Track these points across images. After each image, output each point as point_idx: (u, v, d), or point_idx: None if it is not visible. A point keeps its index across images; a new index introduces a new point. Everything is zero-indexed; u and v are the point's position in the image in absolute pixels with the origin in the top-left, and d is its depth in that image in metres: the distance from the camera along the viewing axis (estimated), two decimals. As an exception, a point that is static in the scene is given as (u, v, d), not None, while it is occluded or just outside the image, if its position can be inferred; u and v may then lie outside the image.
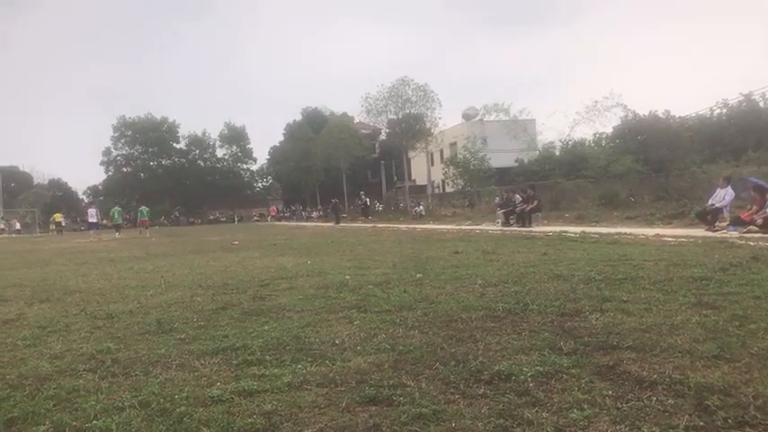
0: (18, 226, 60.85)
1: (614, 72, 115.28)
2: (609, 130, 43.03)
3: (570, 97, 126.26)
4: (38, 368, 4.23)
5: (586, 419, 2.82)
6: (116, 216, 39.34)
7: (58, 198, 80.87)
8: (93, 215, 41.57)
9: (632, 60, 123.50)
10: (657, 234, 13.93)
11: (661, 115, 37.64)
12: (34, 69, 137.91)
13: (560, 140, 41.28)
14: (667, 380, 3.28)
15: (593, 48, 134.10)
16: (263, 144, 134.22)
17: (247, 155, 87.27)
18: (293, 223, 51.65)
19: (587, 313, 5.11)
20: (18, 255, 20.20)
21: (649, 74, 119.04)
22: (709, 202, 16.02)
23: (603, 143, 44.12)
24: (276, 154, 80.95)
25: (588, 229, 17.13)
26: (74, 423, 3.08)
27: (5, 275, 11.82)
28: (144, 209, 42.22)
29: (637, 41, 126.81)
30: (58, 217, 59.03)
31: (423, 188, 58.11)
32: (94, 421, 3.09)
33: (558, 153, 42.67)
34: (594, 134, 43.97)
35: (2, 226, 60.90)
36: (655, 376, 3.35)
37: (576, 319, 4.91)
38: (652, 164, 33.47)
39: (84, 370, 4.14)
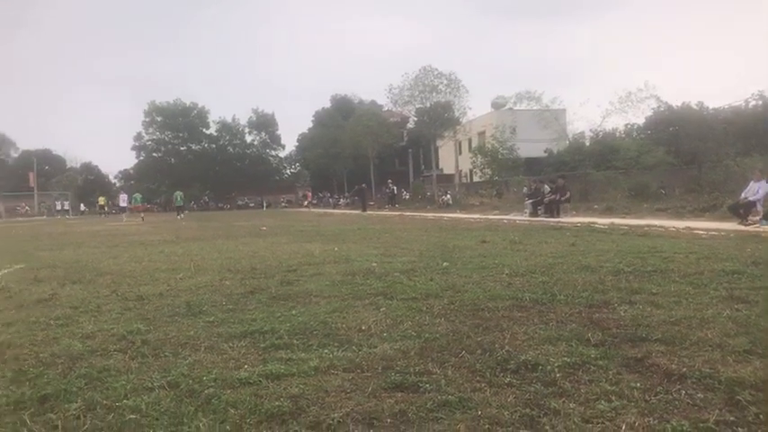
0: (67, 206, 61.95)
1: (647, 62, 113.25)
2: (641, 122, 42.42)
3: (603, 87, 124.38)
4: (70, 347, 4.32)
5: (614, 411, 2.81)
6: (178, 199, 42.49)
7: (90, 181, 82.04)
8: (123, 200, 43.56)
9: (666, 50, 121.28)
10: (688, 227, 13.72)
11: (694, 106, 37.01)
12: (67, 54, 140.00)
13: (591, 131, 40.72)
14: (697, 374, 3.25)
15: (626, 37, 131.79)
16: (292, 131, 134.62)
17: (276, 141, 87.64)
18: (321, 210, 51.84)
19: (616, 305, 5.07)
20: (51, 237, 20.58)
21: (683, 64, 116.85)
22: (743, 195, 15.71)
23: (635, 134, 43.50)
24: (305, 141, 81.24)
25: (617, 221, 16.94)
26: (104, 402, 3.15)
27: (40, 257, 12.07)
28: (138, 195, 46.55)
29: (671, 31, 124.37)
30: (102, 200, 60.43)
31: (450, 177, 57.89)
32: (125, 400, 3.15)
33: (588, 143, 42.13)
34: (626, 125, 43.35)
35: (59, 207, 62.21)
36: (684, 370, 3.32)
37: (604, 311, 4.88)
38: (684, 156, 32.90)
39: (114, 350, 4.22)
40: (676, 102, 37.13)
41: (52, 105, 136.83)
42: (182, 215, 40.63)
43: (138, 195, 46.73)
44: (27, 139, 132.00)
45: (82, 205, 66.14)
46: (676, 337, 3.98)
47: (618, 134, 43.58)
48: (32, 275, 8.72)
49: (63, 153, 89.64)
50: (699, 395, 2.97)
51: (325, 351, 3.96)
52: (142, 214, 42.19)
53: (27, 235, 22.55)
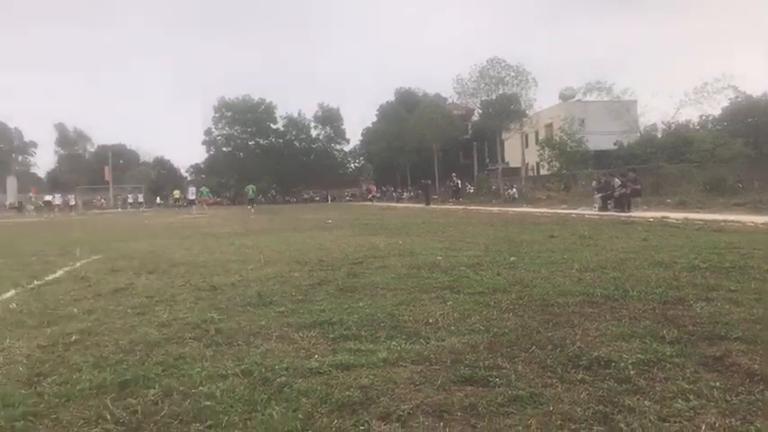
0: (141, 199, 64.37)
1: (724, 50, 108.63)
2: (717, 113, 40.79)
3: (676, 78, 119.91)
4: (147, 335, 4.48)
5: (692, 410, 2.73)
6: (250, 192, 45.29)
7: (163, 175, 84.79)
8: (192, 192, 45.47)
9: (744, 37, 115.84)
10: (768, 222, 13.14)
11: (776, 97, 35.30)
12: (139, 51, 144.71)
13: (663, 123, 39.38)
14: (781, 374, 3.11)
15: (701, 25, 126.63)
16: (357, 125, 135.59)
17: (341, 136, 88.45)
18: (384, 204, 52.03)
19: (691, 302, 4.91)
20: (126, 229, 21.38)
21: (763, 51, 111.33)
22: (829, 189, 14.93)
23: (710, 126, 41.87)
24: (369, 135, 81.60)
25: (691, 216, 16.35)
26: (181, 388, 3.25)
27: (117, 248, 12.54)
28: (204, 189, 48.36)
29: (749, 17, 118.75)
30: (177, 193, 62.64)
31: (516, 170, 57.05)
32: (200, 387, 3.25)
33: (660, 136, 40.77)
34: (701, 116, 41.74)
35: (130, 200, 64.79)
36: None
37: (679, 308, 4.73)
38: (763, 148, 31.47)
39: (189, 338, 4.36)
40: (756, 92, 35.49)
41: (127, 102, 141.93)
42: (253, 208, 41.81)
43: (204, 189, 48.83)
44: (103, 135, 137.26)
45: (158, 198, 68.60)
46: (758, 335, 3.83)
47: (692, 126, 42.03)
48: (110, 266, 9.07)
49: (137, 148, 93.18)
50: (783, 397, 2.85)
51: (393, 343, 3.98)
52: (206, 207, 43.88)
53: (103, 227, 23.48)
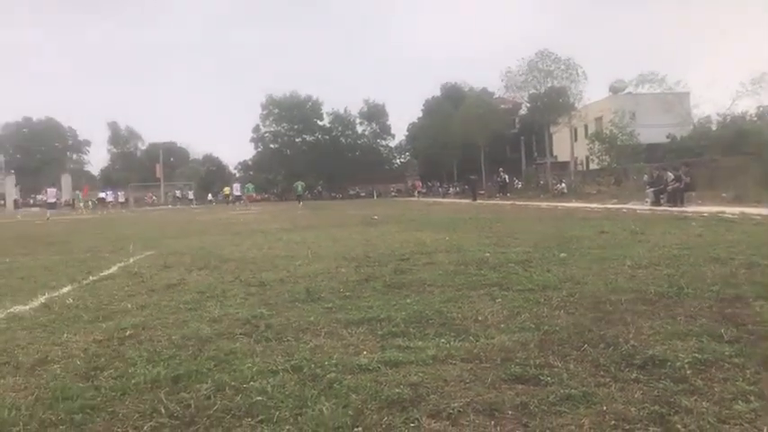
0: (191, 195, 66.09)
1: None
2: (775, 104, 39.39)
3: (732, 69, 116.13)
4: (198, 330, 4.55)
5: (753, 412, 2.64)
6: (299, 188, 46.92)
7: (212, 172, 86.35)
8: (237, 189, 46.89)
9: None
10: (832, 217, 12.63)
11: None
12: (186, 50, 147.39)
13: (718, 114, 38.25)
14: None
15: (754, 13, 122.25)
16: (402, 120, 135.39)
17: (386, 131, 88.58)
18: (430, 199, 51.89)
19: (751, 300, 4.74)
20: (177, 225, 21.82)
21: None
22: None
23: (768, 117, 40.47)
24: (414, 130, 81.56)
25: (748, 210, 15.82)
26: (233, 383, 3.28)
27: (168, 244, 12.81)
28: (250, 185, 49.89)
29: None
30: (227, 190, 63.95)
31: (565, 165, 56.22)
32: (251, 382, 3.28)
33: (714, 128, 39.62)
34: (758, 107, 40.38)
35: (178, 194, 66.55)
36: (833, 372, 3.06)
37: (737, 306, 4.58)
38: (826, 140, 30.26)
39: (240, 334, 4.41)
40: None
41: (176, 100, 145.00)
42: (301, 203, 42.52)
43: (250, 185, 50.33)
44: (154, 134, 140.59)
45: (209, 195, 70.01)
46: (821, 335, 3.68)
47: (749, 118, 40.71)
48: (162, 262, 9.25)
49: (187, 146, 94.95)
50: None
51: (442, 340, 3.96)
52: (249, 203, 45.05)
53: (155, 223, 24.01)
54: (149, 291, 6.57)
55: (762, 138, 31.86)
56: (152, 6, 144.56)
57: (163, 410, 2.95)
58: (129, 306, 5.67)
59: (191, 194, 65.32)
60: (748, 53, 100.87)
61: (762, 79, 33.45)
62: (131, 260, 9.66)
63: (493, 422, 2.69)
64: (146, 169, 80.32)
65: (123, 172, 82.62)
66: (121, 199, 57.71)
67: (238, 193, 48.48)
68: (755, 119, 40.51)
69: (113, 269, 8.62)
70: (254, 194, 49.42)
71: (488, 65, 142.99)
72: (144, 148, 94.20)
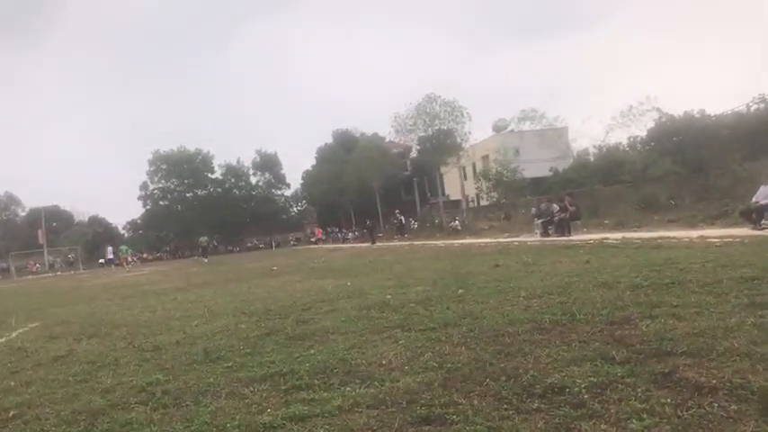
0: (71, 259, 62.89)
1: (644, 73, 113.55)
2: (643, 134, 42.41)
3: (603, 103, 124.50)
4: (90, 403, 4.30)
5: (647, 429, 2.76)
6: (204, 242, 49.39)
7: (99, 234, 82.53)
8: (110, 252, 48.46)
9: (662, 61, 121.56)
10: (701, 236, 13.60)
11: (696, 115, 36.97)
12: (67, 108, 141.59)
13: (594, 146, 40.75)
14: (728, 385, 3.19)
15: (620, 51, 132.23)
16: (296, 168, 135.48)
17: (281, 180, 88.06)
18: (330, 245, 51.83)
19: (637, 320, 5.00)
20: (64, 292, 20.64)
21: (680, 74, 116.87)
22: (753, 199, 15.59)
23: (639, 147, 43.46)
24: (309, 177, 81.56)
25: (629, 235, 16.83)
26: (129, 456, 3.10)
27: (54, 313, 12.08)
28: (123, 247, 49.70)
29: (664, 40, 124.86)
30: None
31: (457, 203, 57.85)
32: (150, 454, 3.11)
33: (592, 159, 42.11)
34: (629, 138, 43.34)
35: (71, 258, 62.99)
36: (714, 381, 3.25)
37: (625, 327, 4.81)
38: (690, 165, 32.78)
39: (135, 403, 4.20)
40: (678, 111, 37.09)
41: (56, 161, 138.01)
42: (206, 258, 42.13)
43: (123, 247, 49.67)
44: (34, 197, 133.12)
45: (101, 259, 66.53)
46: (702, 348, 3.92)
47: (622, 148, 43.57)
48: (48, 333, 8.74)
49: (70, 208, 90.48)
50: (732, 407, 2.91)
51: (348, 389, 3.91)
52: (128, 266, 44.22)
53: (39, 292, 22.62)
54: (35, 365, 6.20)
55: (635, 166, 34.10)
56: (24, 63, 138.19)
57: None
58: (13, 384, 5.32)
59: (109, 253, 61.79)
60: (619, 88, 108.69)
61: (629, 112, 36.00)
62: (14, 334, 9.06)
63: (402, 468, 2.66)
64: (27, 236, 75.72)
65: (2, 240, 77.50)
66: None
67: (111, 257, 47.46)
68: (628, 149, 43.38)
69: (-7, 345, 8.03)
70: (129, 257, 47.86)
71: (378, 110, 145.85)
72: (24, 213, 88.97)
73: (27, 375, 5.68)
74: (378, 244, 38.06)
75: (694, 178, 30.96)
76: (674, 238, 14.08)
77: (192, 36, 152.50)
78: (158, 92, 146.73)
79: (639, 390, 3.27)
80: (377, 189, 58.78)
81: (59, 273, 56.81)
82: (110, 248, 49.49)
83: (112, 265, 45.73)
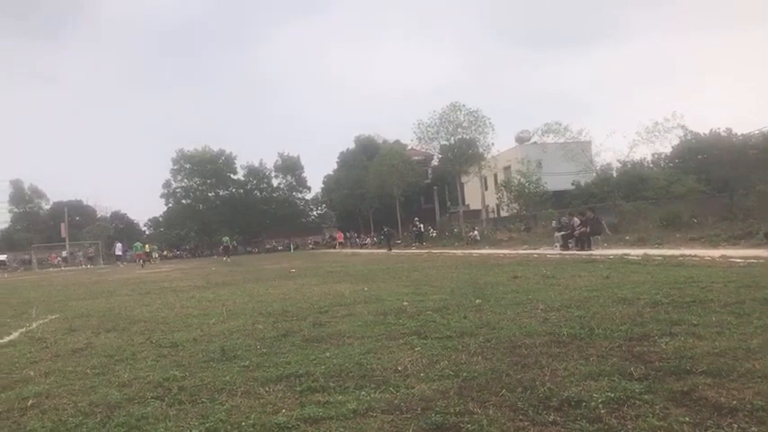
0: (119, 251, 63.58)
1: (671, 90, 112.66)
2: (668, 151, 42.02)
3: (627, 118, 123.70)
4: (107, 396, 4.33)
5: (664, 448, 2.72)
6: (226, 242, 49.06)
7: (121, 230, 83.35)
8: (119, 248, 49.97)
9: (690, 78, 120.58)
10: (724, 255, 13.44)
11: (722, 133, 36.64)
12: (93, 105, 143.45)
13: (618, 161, 40.37)
14: (748, 406, 3.14)
15: (648, 66, 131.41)
16: (318, 172, 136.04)
17: (302, 184, 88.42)
18: (348, 250, 51.91)
19: (656, 337, 4.95)
20: (84, 286, 20.85)
21: (709, 91, 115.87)
22: (779, 221, 15.39)
23: (662, 164, 43.09)
24: (330, 182, 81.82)
25: (650, 252, 16.66)
26: (144, 450, 3.13)
27: (74, 306, 12.20)
28: (138, 244, 48.93)
29: (695, 57, 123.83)
30: (148, 247, 62.02)
31: (477, 213, 57.67)
32: (164, 448, 3.13)
33: (615, 174, 41.77)
34: (653, 155, 42.98)
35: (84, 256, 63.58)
36: (734, 402, 3.21)
37: (644, 344, 4.76)
38: (714, 184, 32.47)
39: (151, 397, 4.22)
40: (703, 129, 36.85)
41: (83, 157, 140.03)
42: (228, 258, 42.79)
43: (138, 244, 49.40)
44: (58, 191, 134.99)
45: (118, 249, 67.20)
46: (723, 368, 3.87)
47: (646, 164, 43.23)
48: (67, 325, 8.82)
49: (93, 203, 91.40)
50: (752, 429, 2.87)
51: (363, 393, 3.91)
52: (142, 261, 44.53)
53: (59, 285, 22.86)
54: (54, 356, 6.25)
55: (658, 183, 33.79)
56: (56, 61, 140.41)
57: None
58: (32, 374, 5.36)
59: (118, 249, 61.84)
60: (644, 104, 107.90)
61: (654, 128, 35.65)
62: (34, 325, 9.14)
63: (415, 474, 2.66)
64: (50, 229, 76.67)
65: (25, 233, 78.47)
66: (12, 263, 54.97)
67: (120, 253, 47.97)
68: (651, 165, 43.04)
69: (14, 335, 8.16)
70: (143, 252, 48.22)
71: (400, 116, 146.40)
72: (48, 207, 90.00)
73: (46, 366, 5.73)
74: (394, 251, 38.05)
75: (718, 197, 30.63)
76: (695, 256, 13.92)
77: (220, 37, 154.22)
78: (185, 91, 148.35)
79: (658, 407, 3.24)
80: (397, 196, 58.73)
81: (86, 266, 57.35)
82: (119, 245, 50.23)
83: (121, 262, 46.32)
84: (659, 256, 14.85)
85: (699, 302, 6.65)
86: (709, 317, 5.72)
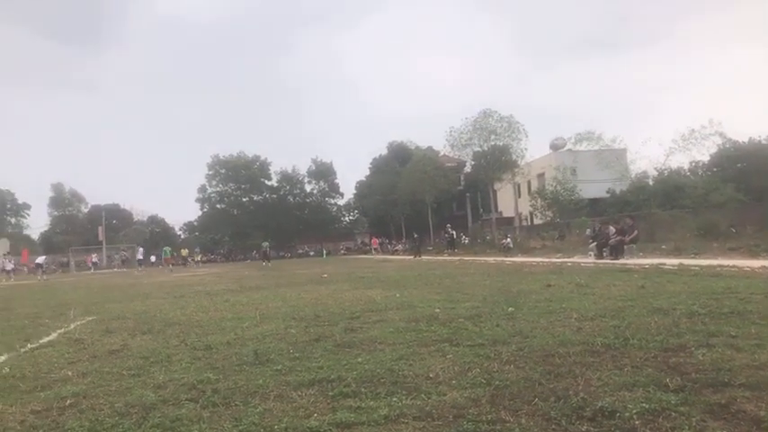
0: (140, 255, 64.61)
1: (709, 96, 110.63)
2: (705, 159, 41.27)
3: (663, 125, 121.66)
4: (143, 397, 4.41)
5: (700, 461, 2.68)
6: (265, 247, 48.66)
7: (157, 234, 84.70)
8: (140, 253, 50.10)
9: (729, 83, 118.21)
10: (764, 266, 13.12)
11: (762, 141, 35.86)
12: (131, 112, 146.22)
13: (654, 169, 39.78)
14: (788, 421, 3.07)
15: (685, 72, 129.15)
16: (350, 178, 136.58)
17: (334, 189, 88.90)
18: (380, 256, 51.96)
19: (693, 349, 4.87)
20: (120, 288, 21.23)
21: (748, 98, 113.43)
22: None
23: (700, 172, 42.33)
24: (362, 188, 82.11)
25: (687, 261, 16.35)
26: (179, 451, 3.17)
27: (110, 308, 12.44)
28: (167, 249, 51.13)
29: (732, 64, 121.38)
30: (184, 252, 63.15)
31: (510, 220, 57.38)
32: (198, 450, 3.18)
33: (651, 183, 41.16)
34: (691, 163, 42.24)
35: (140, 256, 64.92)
36: (774, 417, 3.14)
37: (680, 355, 4.69)
38: (754, 193, 31.78)
39: (186, 399, 4.28)
40: (742, 137, 36.08)
41: (120, 161, 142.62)
42: (268, 263, 43.05)
43: (167, 249, 50.57)
44: (97, 195, 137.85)
45: (152, 257, 68.13)
46: (762, 381, 3.79)
47: (682, 172, 42.50)
48: (104, 327, 8.98)
49: (130, 207, 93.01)
50: (792, 444, 2.81)
51: (394, 399, 3.92)
52: (171, 266, 45.74)
53: (96, 287, 23.31)
54: (91, 357, 6.37)
55: (695, 191, 33.20)
56: (96, 70, 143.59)
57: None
58: (70, 374, 5.48)
59: (139, 254, 62.76)
60: (681, 111, 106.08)
61: (691, 136, 35.04)
62: (72, 326, 9.35)
63: (447, 481, 2.66)
64: (87, 232, 78.27)
65: (64, 235, 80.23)
66: (50, 265, 56.01)
67: (141, 257, 48.74)
68: (689, 173, 42.32)
69: (53, 336, 8.34)
70: (172, 257, 49.18)
71: (434, 124, 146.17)
72: (86, 210, 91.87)
73: (83, 366, 5.85)
74: (425, 257, 37.98)
75: (758, 206, 29.95)
76: (734, 266, 13.63)
77: (256, 44, 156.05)
78: (220, 97, 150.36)
79: (694, 419, 3.19)
80: (429, 202, 58.65)
81: (120, 269, 58.34)
82: (141, 249, 51.15)
83: (140, 267, 47.17)
84: (696, 265, 14.58)
85: (737, 314, 6.52)
86: (748, 328, 5.60)
